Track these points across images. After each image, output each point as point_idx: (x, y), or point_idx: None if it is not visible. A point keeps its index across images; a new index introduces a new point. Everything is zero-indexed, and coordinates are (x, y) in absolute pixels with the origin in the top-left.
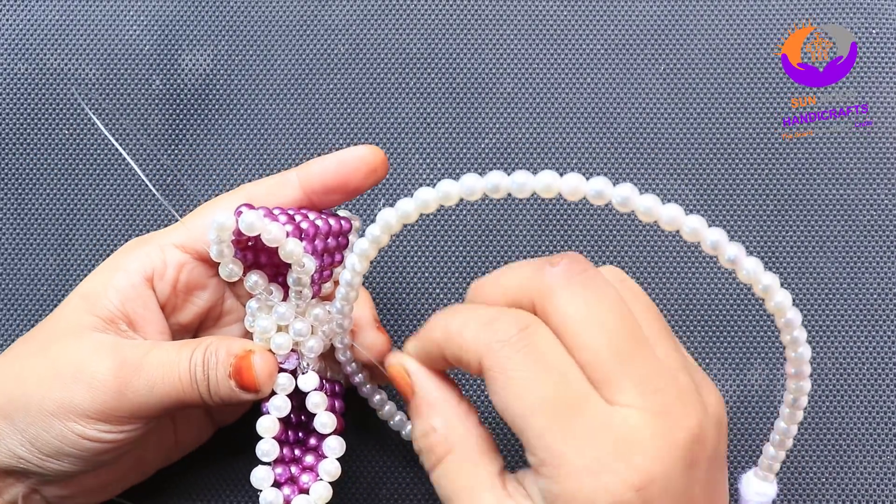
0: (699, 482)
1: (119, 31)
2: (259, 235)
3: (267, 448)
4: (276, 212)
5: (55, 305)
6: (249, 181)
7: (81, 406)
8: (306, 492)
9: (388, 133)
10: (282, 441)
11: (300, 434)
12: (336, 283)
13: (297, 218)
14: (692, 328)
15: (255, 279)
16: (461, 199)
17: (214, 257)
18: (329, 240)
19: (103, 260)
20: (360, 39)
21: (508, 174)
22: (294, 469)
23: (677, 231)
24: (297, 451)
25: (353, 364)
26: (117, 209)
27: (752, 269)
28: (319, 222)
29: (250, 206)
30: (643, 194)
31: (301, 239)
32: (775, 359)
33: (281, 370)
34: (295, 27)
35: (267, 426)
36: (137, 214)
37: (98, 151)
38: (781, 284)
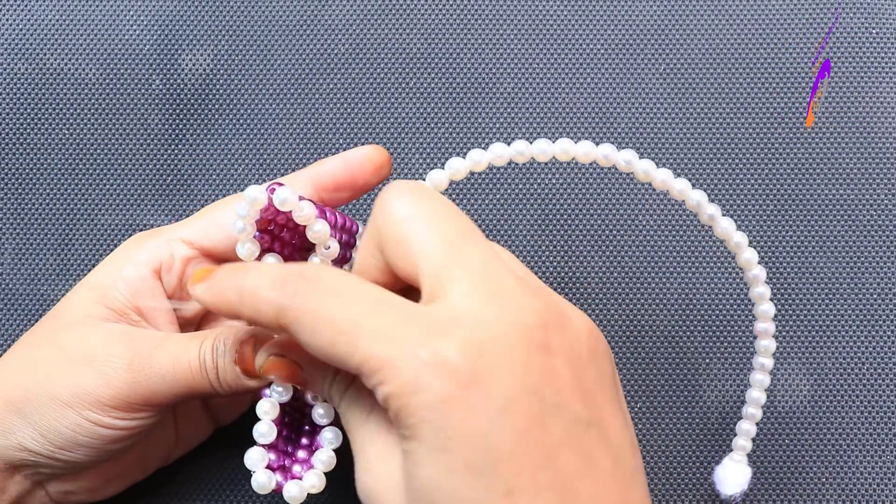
0: (560, 375)
1: (119, 31)
2: (283, 217)
3: (264, 430)
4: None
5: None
6: (249, 181)
7: (95, 394)
8: (299, 479)
9: (388, 133)
10: (278, 431)
11: (293, 435)
12: None
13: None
14: (692, 328)
15: (272, 261)
16: (490, 166)
17: (237, 233)
18: (343, 235)
19: (103, 259)
20: (360, 39)
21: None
22: (287, 461)
23: (667, 192)
24: (289, 448)
25: None
26: (117, 209)
27: (726, 228)
28: (337, 217)
29: (280, 185)
30: (642, 159)
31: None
32: (775, 359)
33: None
34: (295, 27)
35: (266, 409)
36: (137, 214)
37: (98, 151)
38: (782, 284)
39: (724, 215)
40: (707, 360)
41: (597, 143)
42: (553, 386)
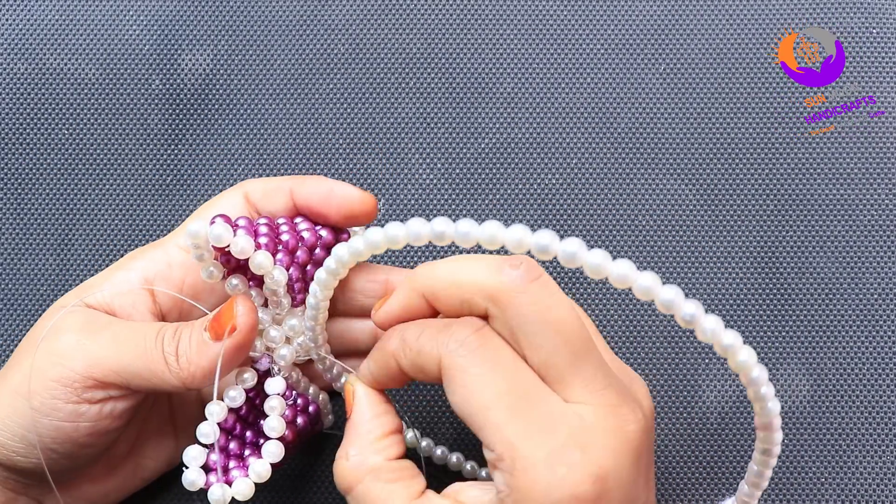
0: (642, 474)
1: (119, 31)
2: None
3: (205, 430)
4: (261, 221)
5: None
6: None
7: (51, 373)
8: (230, 484)
9: (387, 133)
10: (231, 432)
11: (249, 434)
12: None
13: (284, 227)
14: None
15: (235, 283)
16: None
17: (194, 259)
18: (317, 251)
19: (103, 259)
20: (360, 39)
21: (454, 220)
22: (233, 463)
23: (629, 289)
24: (242, 450)
25: (333, 372)
26: (117, 209)
27: (710, 329)
28: (307, 234)
29: (225, 218)
30: (592, 250)
31: (277, 251)
32: (775, 359)
33: (254, 369)
34: (294, 27)
35: (213, 410)
36: (137, 214)
37: (98, 151)
38: (782, 284)
39: (707, 313)
40: (707, 361)
41: (596, 148)
42: (640, 488)
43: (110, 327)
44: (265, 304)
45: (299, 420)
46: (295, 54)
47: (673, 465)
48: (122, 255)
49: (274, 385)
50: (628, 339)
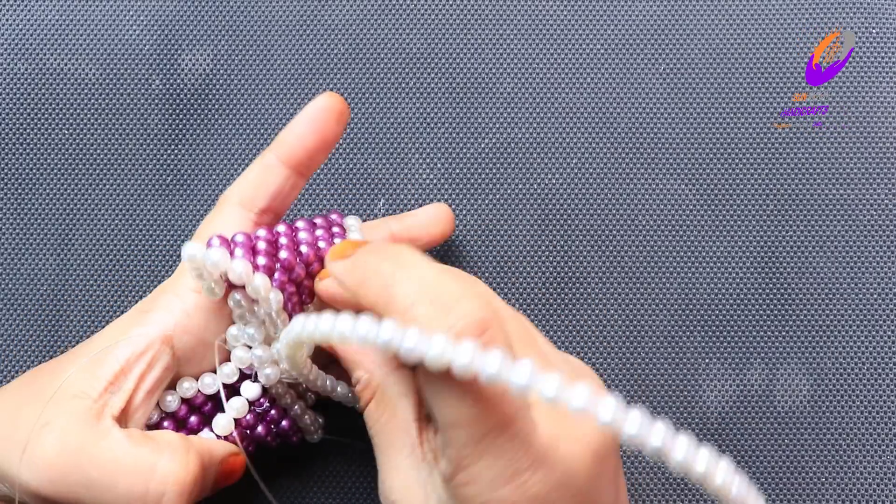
0: (607, 474)
1: (119, 31)
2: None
3: (169, 400)
4: (260, 233)
5: (55, 305)
6: None
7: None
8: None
9: (387, 133)
10: (194, 406)
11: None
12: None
13: (283, 241)
14: (692, 328)
15: (238, 298)
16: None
17: (192, 278)
18: (315, 265)
19: (103, 259)
20: (360, 39)
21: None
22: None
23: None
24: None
25: (327, 387)
26: (117, 209)
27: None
28: (306, 248)
29: (223, 239)
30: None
31: (275, 271)
32: (775, 359)
33: (239, 370)
34: (294, 27)
35: (187, 387)
36: (137, 214)
37: (98, 151)
38: (782, 284)
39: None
40: (707, 360)
41: (596, 148)
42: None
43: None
44: (264, 322)
45: (259, 429)
46: (295, 54)
47: None
48: (122, 255)
49: (248, 389)
50: (628, 339)
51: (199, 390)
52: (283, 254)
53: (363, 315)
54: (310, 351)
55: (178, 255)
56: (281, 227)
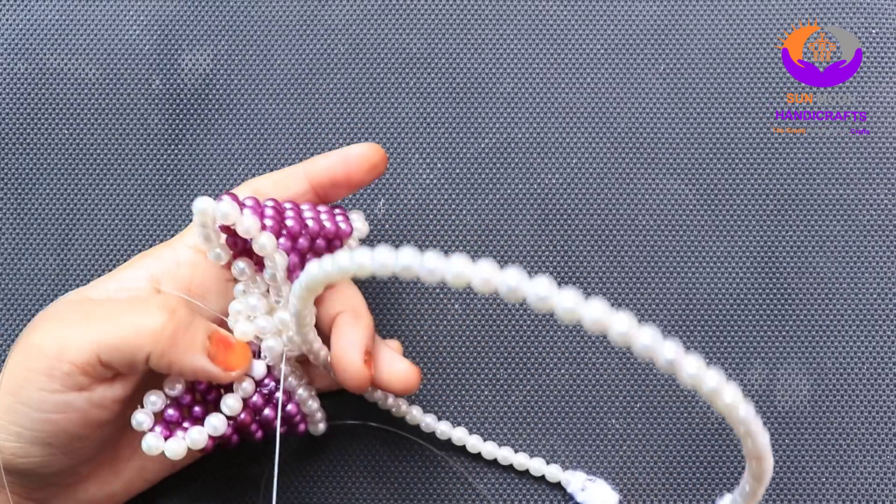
0: None
1: (119, 31)
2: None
3: (172, 382)
4: (268, 202)
5: None
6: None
7: (32, 364)
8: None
9: (387, 132)
10: (197, 393)
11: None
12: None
13: (290, 213)
14: (692, 328)
15: (241, 266)
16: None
17: (200, 239)
18: (319, 240)
19: (103, 259)
20: (360, 39)
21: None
22: (187, 424)
23: (604, 334)
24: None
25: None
26: (117, 209)
27: (692, 373)
28: (311, 223)
29: (233, 196)
30: (563, 290)
31: (280, 235)
32: (775, 359)
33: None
34: (295, 27)
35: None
36: (137, 214)
37: (98, 151)
38: (782, 284)
39: (687, 354)
40: (707, 360)
41: (596, 148)
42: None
43: (108, 302)
44: (267, 292)
45: (266, 411)
46: (295, 54)
47: (673, 465)
48: (122, 255)
49: (255, 368)
50: None
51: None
52: (289, 222)
53: (380, 246)
54: (313, 318)
55: None
56: (288, 204)
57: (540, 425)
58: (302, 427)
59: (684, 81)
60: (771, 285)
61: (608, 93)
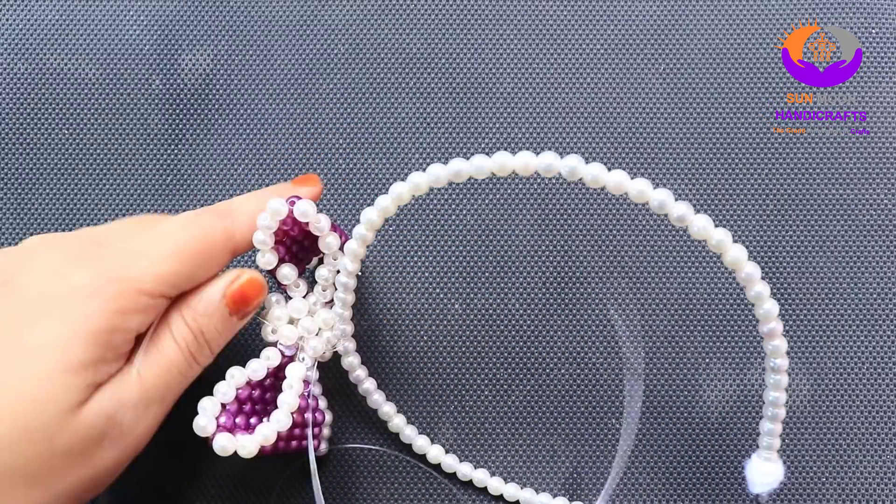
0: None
1: (119, 31)
2: (295, 228)
3: (223, 389)
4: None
5: None
6: (249, 181)
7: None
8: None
9: (387, 133)
10: (241, 402)
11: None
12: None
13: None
14: (692, 328)
15: (287, 271)
16: (431, 189)
17: (257, 243)
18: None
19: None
20: (360, 39)
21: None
22: (242, 424)
23: (625, 194)
24: (247, 420)
25: (359, 372)
26: (117, 209)
27: (702, 227)
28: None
29: (299, 198)
30: (612, 171)
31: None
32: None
33: (282, 354)
34: (294, 27)
35: (233, 373)
36: (137, 214)
37: (98, 151)
38: (782, 284)
39: (699, 213)
40: (707, 361)
41: (596, 148)
42: None
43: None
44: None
45: (307, 415)
46: (295, 54)
47: (673, 464)
48: None
49: (294, 370)
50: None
51: (248, 378)
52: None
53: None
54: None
55: None
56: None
57: (540, 425)
58: (315, 443)
59: (684, 81)
60: (771, 285)
61: (608, 93)
